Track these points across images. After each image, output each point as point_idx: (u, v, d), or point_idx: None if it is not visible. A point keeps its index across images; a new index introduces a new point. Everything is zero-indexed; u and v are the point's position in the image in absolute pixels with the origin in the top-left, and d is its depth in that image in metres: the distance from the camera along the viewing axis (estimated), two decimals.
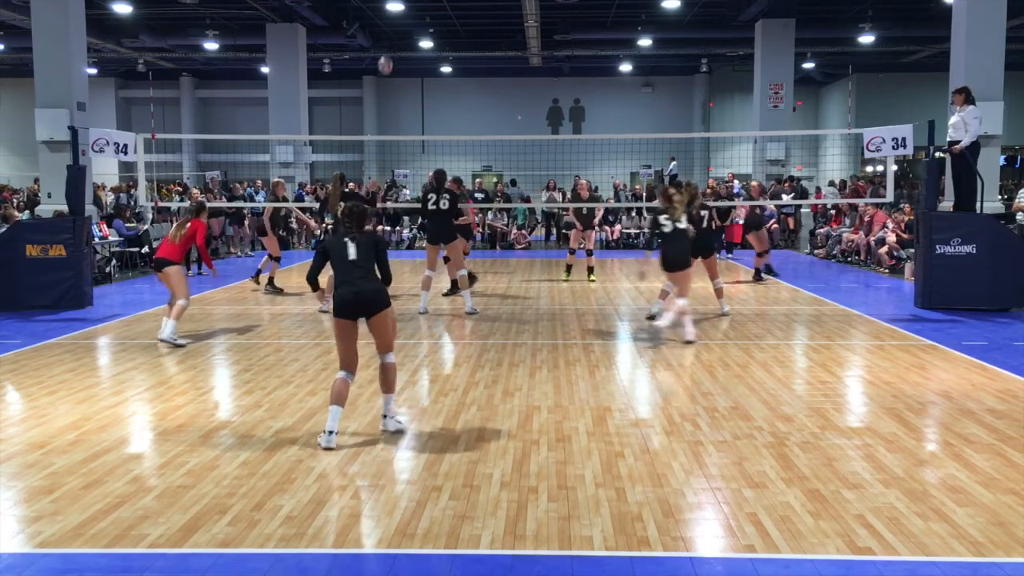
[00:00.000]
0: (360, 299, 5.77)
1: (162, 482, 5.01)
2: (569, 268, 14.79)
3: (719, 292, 11.13)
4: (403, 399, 6.91)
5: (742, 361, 8.28)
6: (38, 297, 11.40)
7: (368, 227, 6.09)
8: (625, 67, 31.50)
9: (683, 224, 9.27)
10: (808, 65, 29.00)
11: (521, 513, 4.52)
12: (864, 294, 13.35)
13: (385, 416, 6.01)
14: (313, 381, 7.52)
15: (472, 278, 12.58)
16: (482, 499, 4.72)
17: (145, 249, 17.24)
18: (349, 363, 5.84)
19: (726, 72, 31.66)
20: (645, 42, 26.34)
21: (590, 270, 14.58)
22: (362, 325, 5.90)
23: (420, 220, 20.05)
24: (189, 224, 9.45)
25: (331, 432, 5.62)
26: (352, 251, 5.86)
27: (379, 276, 5.93)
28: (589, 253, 14.67)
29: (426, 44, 27.04)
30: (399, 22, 25.46)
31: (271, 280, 13.52)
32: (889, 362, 8.21)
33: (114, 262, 16.03)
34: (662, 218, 9.27)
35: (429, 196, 11.31)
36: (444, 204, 11.10)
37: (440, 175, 11.60)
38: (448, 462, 5.34)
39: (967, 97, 11.50)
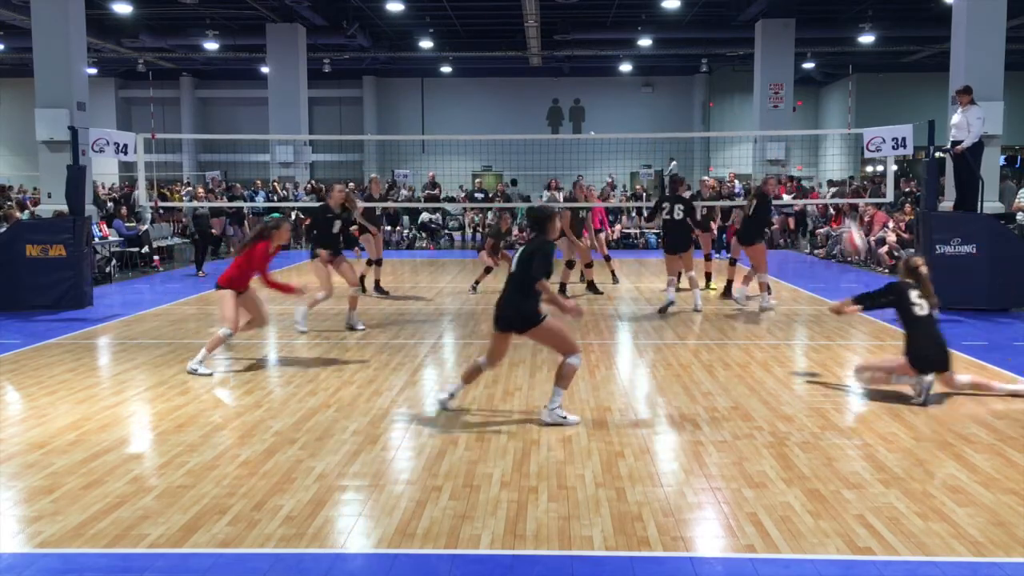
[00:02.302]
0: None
1: (162, 482, 5.01)
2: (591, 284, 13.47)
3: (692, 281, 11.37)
4: (403, 399, 6.92)
5: (742, 361, 8.28)
6: (38, 297, 11.40)
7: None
8: (625, 67, 31.49)
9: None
10: (808, 65, 28.99)
11: (521, 513, 4.52)
12: None
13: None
14: (313, 381, 7.51)
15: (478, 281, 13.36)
16: (482, 499, 4.72)
17: (145, 249, 17.26)
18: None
19: (726, 72, 31.65)
20: (645, 42, 26.33)
21: (612, 273, 14.48)
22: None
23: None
24: (247, 247, 8.27)
25: (451, 395, 6.43)
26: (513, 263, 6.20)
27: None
28: (606, 258, 14.46)
29: (426, 44, 27.04)
30: (399, 22, 25.45)
31: (376, 283, 13.03)
32: None
33: (114, 262, 16.04)
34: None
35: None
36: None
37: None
38: (448, 462, 5.34)
39: (971, 97, 11.50)
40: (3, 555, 4.10)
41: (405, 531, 4.31)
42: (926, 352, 6.64)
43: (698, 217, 12.20)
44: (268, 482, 5.00)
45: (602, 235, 15.21)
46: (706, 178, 16.51)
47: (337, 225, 9.99)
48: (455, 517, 4.47)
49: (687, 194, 11.80)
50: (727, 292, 12.38)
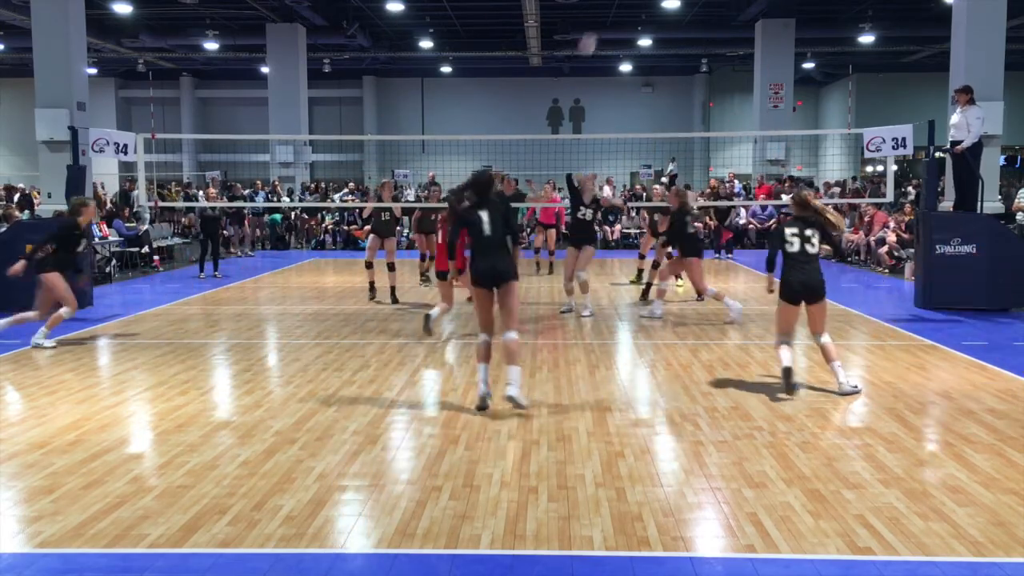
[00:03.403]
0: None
1: (162, 482, 5.01)
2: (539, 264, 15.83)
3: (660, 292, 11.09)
4: (403, 399, 6.91)
5: (742, 361, 8.28)
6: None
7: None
8: (625, 67, 31.50)
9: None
10: (808, 65, 29.00)
11: (521, 513, 4.52)
12: (864, 294, 13.36)
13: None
14: (313, 381, 7.51)
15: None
16: (482, 499, 4.72)
17: (145, 249, 17.26)
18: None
19: (726, 72, 31.65)
20: (645, 42, 26.34)
21: (638, 273, 14.59)
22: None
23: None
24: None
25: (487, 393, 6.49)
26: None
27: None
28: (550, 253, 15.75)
29: (426, 44, 27.04)
30: (399, 22, 25.46)
31: (392, 290, 12.55)
32: (889, 362, 8.22)
33: (114, 262, 16.04)
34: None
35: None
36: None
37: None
38: (448, 462, 5.34)
39: (971, 97, 11.49)
40: (3, 555, 4.09)
41: (405, 531, 4.31)
42: (791, 283, 7.01)
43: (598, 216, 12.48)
44: (268, 482, 5.00)
45: (552, 231, 16.37)
46: (656, 186, 17.20)
47: (83, 244, 9.69)
48: (455, 517, 4.47)
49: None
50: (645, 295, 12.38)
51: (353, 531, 4.35)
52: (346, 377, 7.67)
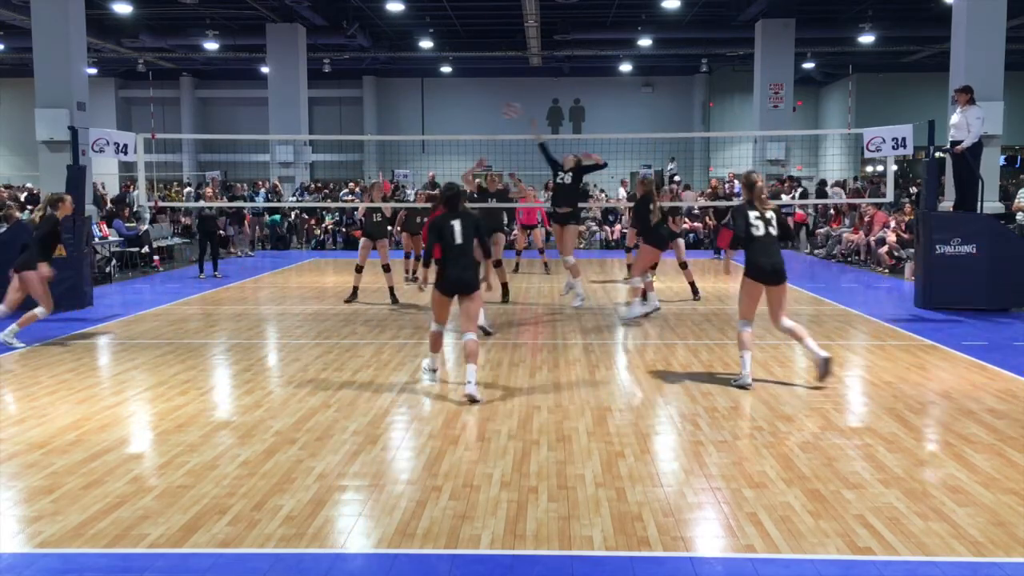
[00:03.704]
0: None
1: (162, 482, 5.01)
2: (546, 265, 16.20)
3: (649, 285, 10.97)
4: (403, 399, 6.92)
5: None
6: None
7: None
8: (625, 67, 31.50)
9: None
10: (808, 65, 28.99)
11: (521, 513, 4.52)
12: (864, 294, 13.36)
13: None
14: (313, 381, 7.51)
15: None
16: (482, 499, 4.72)
17: (145, 249, 17.26)
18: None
19: (726, 72, 31.65)
20: (645, 42, 26.33)
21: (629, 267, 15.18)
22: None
23: None
24: None
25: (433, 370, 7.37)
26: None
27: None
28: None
29: (426, 44, 27.04)
30: (399, 22, 25.46)
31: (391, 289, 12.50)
32: (889, 362, 8.22)
33: (114, 262, 16.04)
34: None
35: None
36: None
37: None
38: (448, 462, 5.34)
39: (971, 97, 11.49)
40: (3, 555, 4.10)
41: (405, 531, 4.31)
42: (758, 265, 7.21)
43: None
44: (268, 482, 5.00)
45: (537, 231, 17.32)
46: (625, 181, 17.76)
47: (63, 237, 9.81)
48: (455, 517, 4.47)
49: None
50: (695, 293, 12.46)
51: (353, 531, 4.35)
52: (346, 377, 7.67)
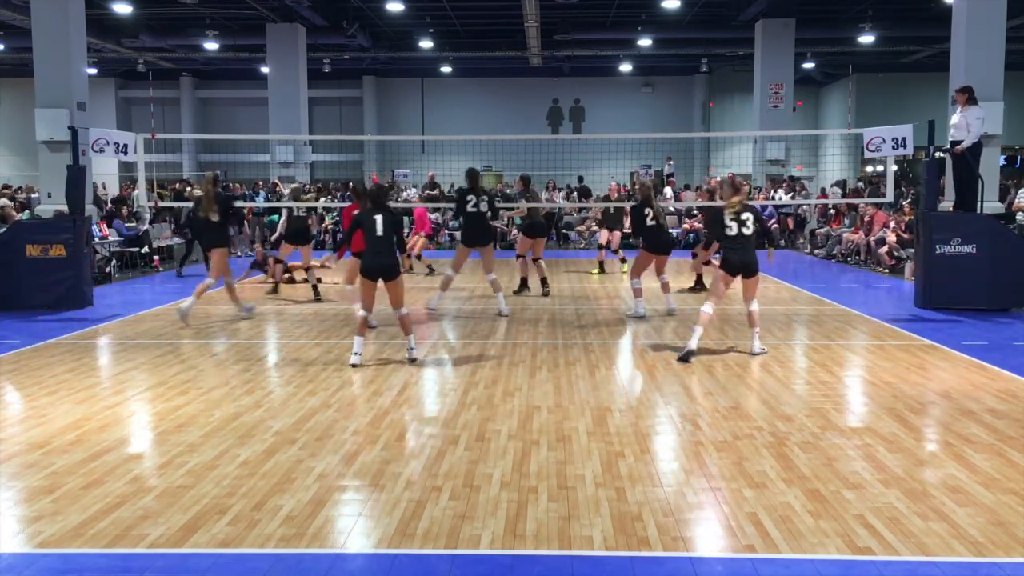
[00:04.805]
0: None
1: (162, 482, 5.01)
2: (601, 264, 16.13)
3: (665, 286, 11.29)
4: (403, 399, 6.92)
5: (742, 361, 8.28)
6: (38, 297, 11.39)
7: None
8: (625, 67, 31.51)
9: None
10: (808, 65, 29.00)
11: (521, 513, 4.52)
12: (864, 294, 13.36)
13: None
14: (313, 381, 7.51)
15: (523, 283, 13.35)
16: (482, 499, 4.72)
17: (145, 249, 17.25)
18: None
19: (726, 72, 31.66)
20: (645, 42, 26.34)
21: (623, 261, 15.73)
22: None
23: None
24: None
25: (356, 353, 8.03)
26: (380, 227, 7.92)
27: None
28: (616, 251, 16.08)
29: (426, 44, 27.04)
30: (399, 22, 25.46)
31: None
32: (889, 362, 8.22)
33: (114, 262, 16.04)
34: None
35: (468, 198, 10.80)
36: (484, 207, 10.76)
37: (475, 175, 10.93)
38: (448, 462, 5.34)
39: (970, 97, 11.49)
40: (3, 555, 4.10)
41: (405, 531, 4.31)
42: (731, 261, 8.21)
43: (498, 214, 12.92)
44: (268, 482, 5.00)
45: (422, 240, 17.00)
46: (613, 183, 18.49)
47: None
48: (455, 517, 4.47)
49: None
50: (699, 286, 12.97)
51: (353, 531, 4.35)
52: (346, 377, 7.67)
